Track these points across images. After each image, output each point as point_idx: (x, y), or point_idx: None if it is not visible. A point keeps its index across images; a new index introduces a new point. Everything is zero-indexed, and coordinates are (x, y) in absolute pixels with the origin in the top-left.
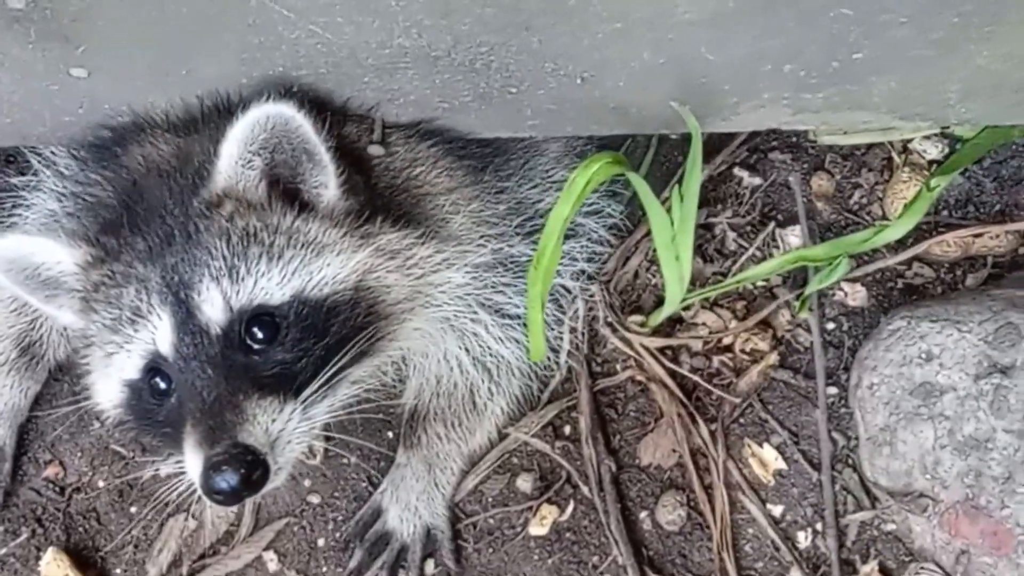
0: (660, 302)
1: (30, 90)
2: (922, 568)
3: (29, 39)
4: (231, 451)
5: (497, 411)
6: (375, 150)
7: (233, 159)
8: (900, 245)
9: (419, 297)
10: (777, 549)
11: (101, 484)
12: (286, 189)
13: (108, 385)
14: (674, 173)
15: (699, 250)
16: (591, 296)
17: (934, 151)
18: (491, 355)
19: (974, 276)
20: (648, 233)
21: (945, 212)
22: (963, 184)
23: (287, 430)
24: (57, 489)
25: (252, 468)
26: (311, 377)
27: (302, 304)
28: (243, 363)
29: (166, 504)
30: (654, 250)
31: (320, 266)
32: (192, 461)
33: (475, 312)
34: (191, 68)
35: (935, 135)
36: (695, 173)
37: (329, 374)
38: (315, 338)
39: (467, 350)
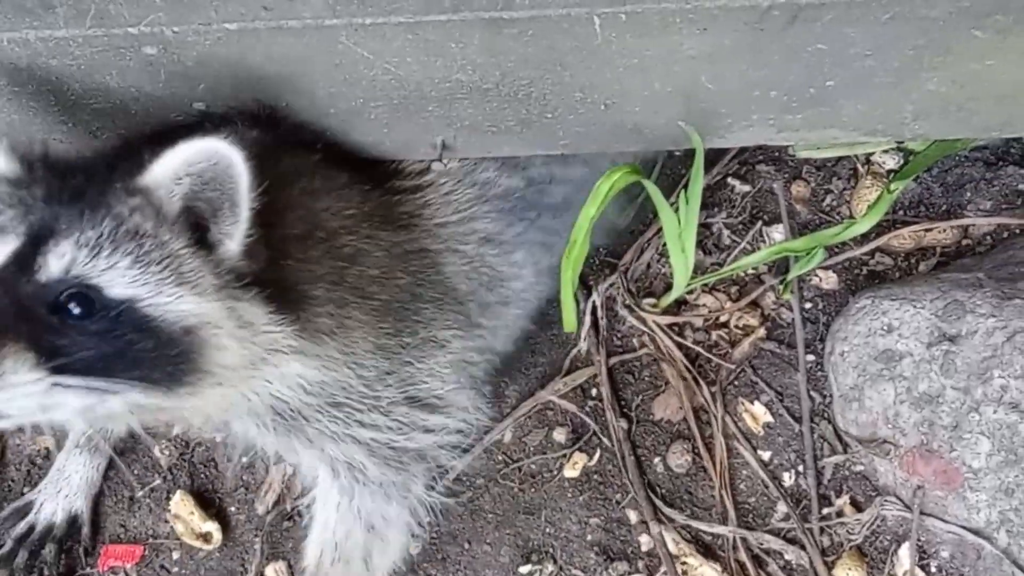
0: (669, 287)
1: (160, 121)
2: (885, 501)
3: (160, 79)
4: None
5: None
6: (437, 166)
7: (167, 169)
8: (865, 239)
9: (249, 372)
10: (766, 487)
11: (218, 439)
12: (197, 221)
13: None
14: (677, 183)
15: (700, 245)
16: (612, 284)
17: (891, 162)
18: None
19: (925, 263)
20: (659, 231)
21: (901, 212)
22: (916, 188)
23: (18, 383)
24: (183, 443)
25: None
26: (82, 370)
27: (130, 311)
28: (41, 320)
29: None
30: (664, 244)
31: (171, 294)
32: None
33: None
34: (288, 101)
35: (893, 149)
36: (698, 181)
37: (102, 379)
38: (117, 344)
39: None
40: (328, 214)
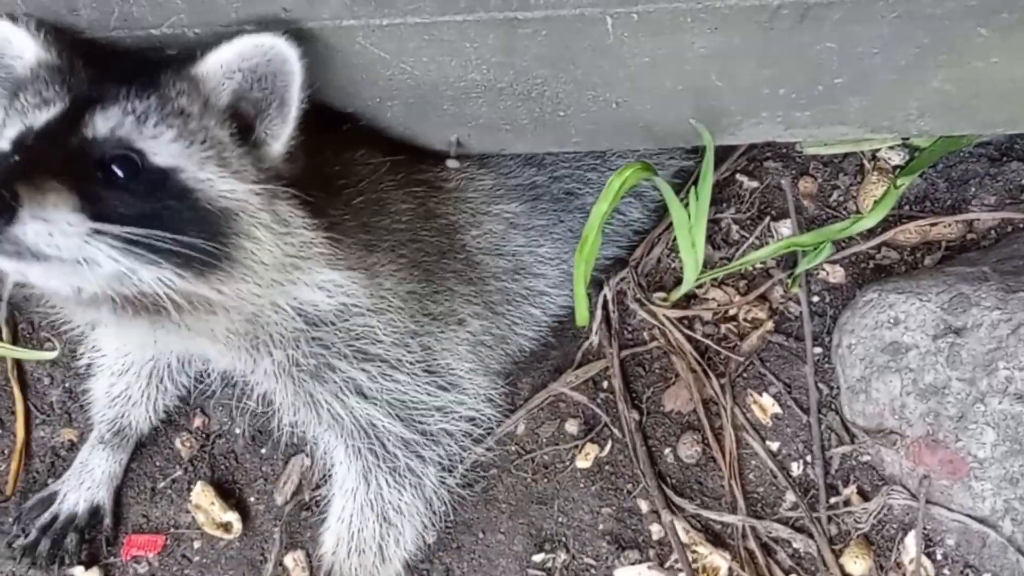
0: (678, 282)
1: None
2: (892, 490)
3: None
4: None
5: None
6: (451, 163)
7: (220, 62)
8: (871, 233)
9: (280, 276)
10: (775, 477)
11: (238, 431)
12: (242, 117)
13: None
14: (687, 179)
15: (709, 240)
16: (623, 279)
17: (897, 158)
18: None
19: (931, 257)
20: (669, 226)
21: (907, 207)
22: (921, 184)
23: (60, 220)
24: (204, 436)
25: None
26: (121, 222)
27: (173, 180)
28: (86, 172)
29: (288, 445)
30: (674, 239)
31: (212, 173)
32: None
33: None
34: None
35: (898, 145)
36: (708, 177)
37: (136, 235)
38: (156, 208)
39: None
40: (357, 165)
